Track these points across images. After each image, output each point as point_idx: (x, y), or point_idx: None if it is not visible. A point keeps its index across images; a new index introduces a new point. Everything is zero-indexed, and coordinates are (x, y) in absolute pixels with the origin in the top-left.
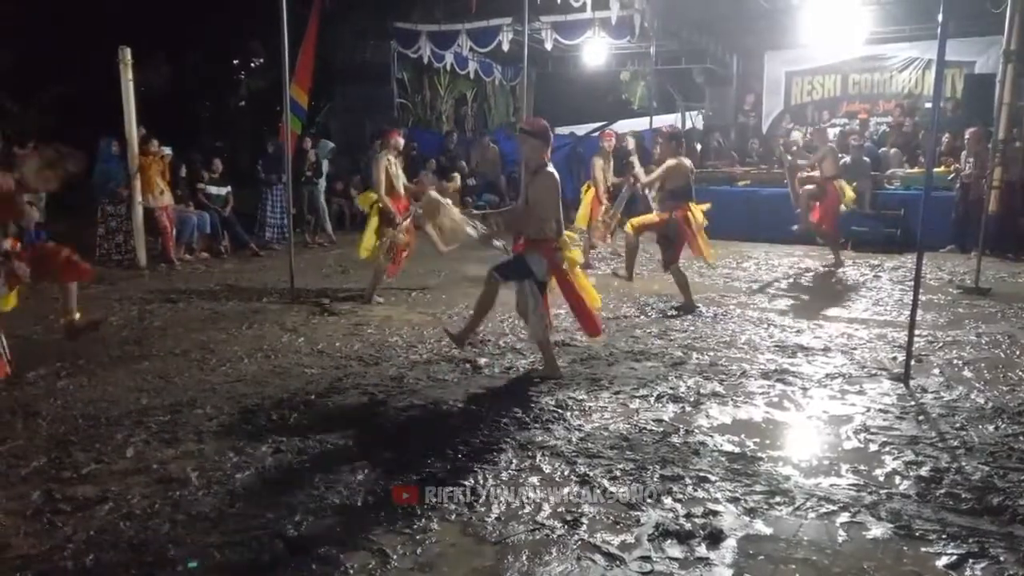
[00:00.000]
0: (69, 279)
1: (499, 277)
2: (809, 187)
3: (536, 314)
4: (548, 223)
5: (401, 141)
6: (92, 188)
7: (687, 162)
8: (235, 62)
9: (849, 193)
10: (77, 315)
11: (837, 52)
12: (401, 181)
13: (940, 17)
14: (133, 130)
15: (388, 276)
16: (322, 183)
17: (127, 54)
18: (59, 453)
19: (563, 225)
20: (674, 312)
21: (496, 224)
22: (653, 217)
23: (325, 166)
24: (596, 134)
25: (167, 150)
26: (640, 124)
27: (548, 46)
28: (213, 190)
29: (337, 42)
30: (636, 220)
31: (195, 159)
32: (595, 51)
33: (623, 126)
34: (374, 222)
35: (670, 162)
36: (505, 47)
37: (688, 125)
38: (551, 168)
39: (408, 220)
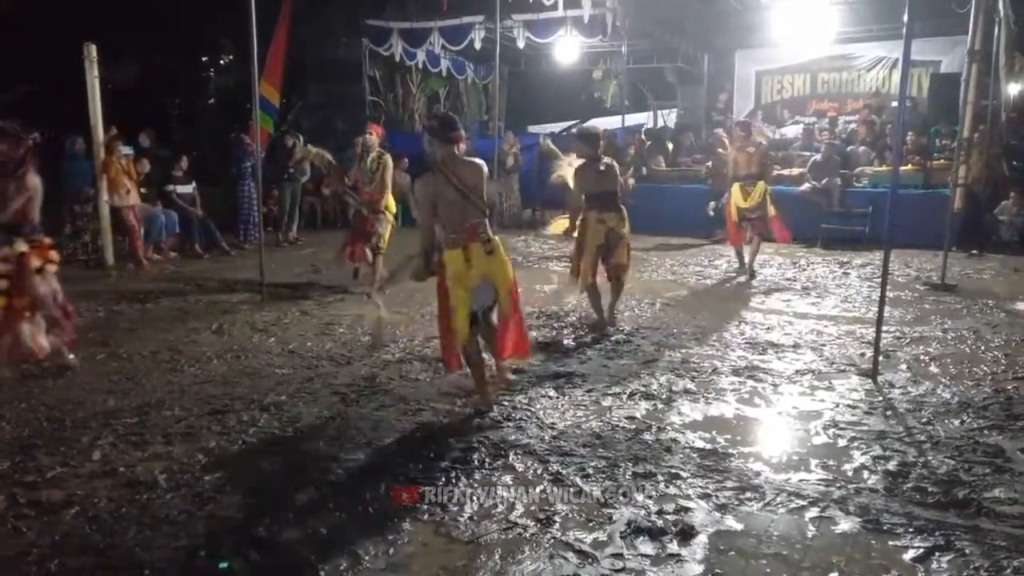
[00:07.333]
0: None
1: None
2: None
3: None
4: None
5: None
6: (59, 187)
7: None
8: (204, 59)
9: None
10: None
11: (806, 51)
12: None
13: (906, 17)
14: (99, 128)
15: None
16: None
17: (92, 51)
18: (23, 456)
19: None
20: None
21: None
22: None
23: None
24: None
25: (127, 149)
26: (613, 122)
27: (520, 44)
28: (181, 189)
29: (308, 39)
30: None
31: (163, 156)
32: (567, 49)
33: (596, 124)
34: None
35: None
36: (477, 45)
37: (660, 123)
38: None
39: None
